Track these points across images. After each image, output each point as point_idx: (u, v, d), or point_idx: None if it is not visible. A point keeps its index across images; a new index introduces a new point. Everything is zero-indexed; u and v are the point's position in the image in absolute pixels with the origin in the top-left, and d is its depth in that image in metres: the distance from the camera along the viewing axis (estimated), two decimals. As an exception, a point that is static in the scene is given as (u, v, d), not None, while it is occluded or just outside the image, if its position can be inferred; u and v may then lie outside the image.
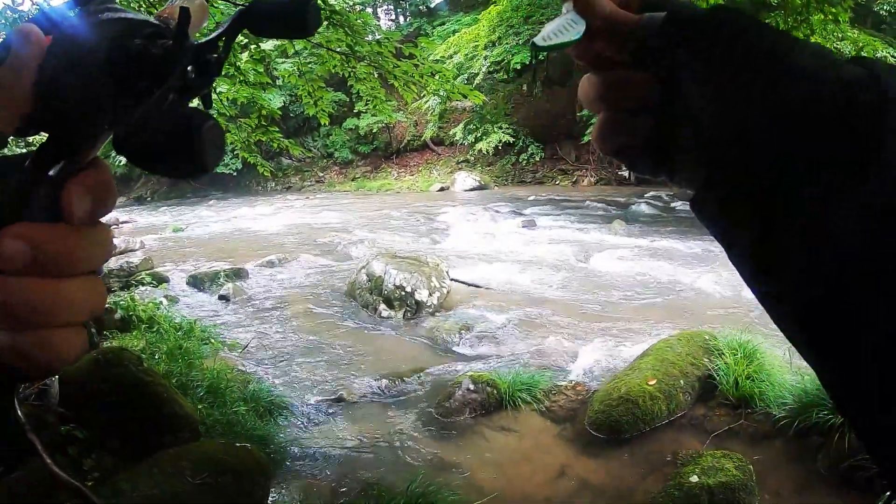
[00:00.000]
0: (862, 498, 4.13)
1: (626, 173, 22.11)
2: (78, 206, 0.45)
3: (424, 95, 21.46)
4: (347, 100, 22.76)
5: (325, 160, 27.15)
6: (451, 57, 21.01)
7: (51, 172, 0.45)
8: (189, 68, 0.49)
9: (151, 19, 0.50)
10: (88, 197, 0.45)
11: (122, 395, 4.29)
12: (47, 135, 0.46)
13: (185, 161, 0.45)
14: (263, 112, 7.97)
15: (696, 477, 4.32)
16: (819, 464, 4.59)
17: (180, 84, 0.48)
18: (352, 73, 7.40)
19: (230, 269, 10.79)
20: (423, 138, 26.12)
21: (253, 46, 7.46)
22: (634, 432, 5.25)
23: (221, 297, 9.57)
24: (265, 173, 9.21)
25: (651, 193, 19.48)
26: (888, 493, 3.91)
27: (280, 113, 20.79)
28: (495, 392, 5.88)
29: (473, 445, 5.41)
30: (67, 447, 3.84)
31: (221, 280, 10.18)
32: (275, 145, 8.74)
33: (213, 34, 0.51)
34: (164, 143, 0.44)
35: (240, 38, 7.90)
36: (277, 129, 8.56)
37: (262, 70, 7.65)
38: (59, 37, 0.46)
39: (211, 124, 0.45)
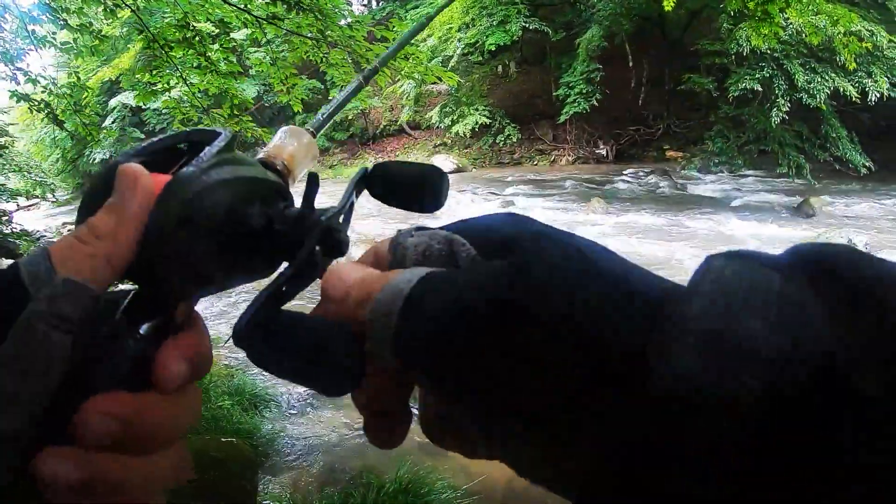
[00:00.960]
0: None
1: (603, 151, 22.22)
2: (173, 374, 0.42)
3: (399, 80, 21.56)
4: (322, 87, 22.63)
5: (297, 150, 26.96)
6: (424, 40, 20.95)
7: (143, 328, 0.42)
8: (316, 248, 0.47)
9: (271, 176, 0.49)
10: (185, 365, 0.43)
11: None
12: (141, 285, 0.44)
13: None
14: (236, 101, 7.92)
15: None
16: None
17: (304, 265, 0.46)
18: (324, 59, 7.38)
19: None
20: (399, 123, 26.04)
21: (223, 36, 7.44)
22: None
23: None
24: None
25: (629, 171, 19.65)
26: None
27: (253, 102, 20.73)
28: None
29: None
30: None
31: None
32: (248, 135, 8.62)
33: (340, 205, 0.50)
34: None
35: (209, 27, 7.93)
36: (251, 119, 8.50)
37: (233, 59, 7.61)
38: (171, 189, 0.42)
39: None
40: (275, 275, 0.48)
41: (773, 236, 11.52)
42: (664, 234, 11.81)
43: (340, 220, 0.51)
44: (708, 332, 0.29)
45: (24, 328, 0.37)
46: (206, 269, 0.45)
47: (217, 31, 7.29)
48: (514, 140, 23.70)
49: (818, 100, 15.44)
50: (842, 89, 15.43)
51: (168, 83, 7.59)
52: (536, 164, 23.06)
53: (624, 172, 19.47)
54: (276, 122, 25.72)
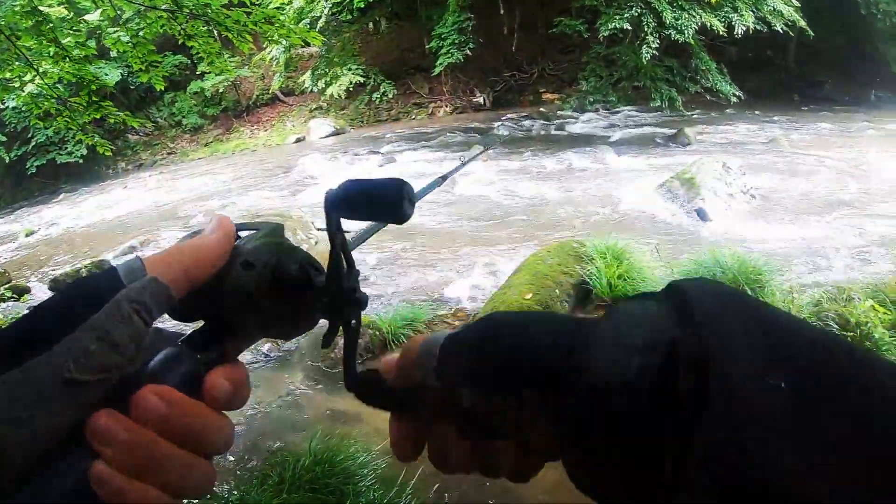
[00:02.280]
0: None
1: (480, 99, 22.25)
2: (219, 390, 0.51)
3: (266, 46, 20.79)
4: (189, 62, 21.61)
5: (174, 129, 25.64)
6: (290, 2, 20.25)
7: (198, 355, 0.53)
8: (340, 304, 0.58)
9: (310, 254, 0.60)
10: (230, 387, 0.51)
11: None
12: (204, 322, 0.57)
13: None
14: (93, 87, 7.42)
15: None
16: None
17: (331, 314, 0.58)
18: (181, 31, 7.01)
19: (92, 263, 10.04)
20: (271, 91, 25.17)
21: (75, 18, 6.93)
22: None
23: (87, 296, 8.93)
24: (105, 153, 8.52)
25: (507, 116, 19.79)
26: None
27: (113, 86, 19.50)
28: (378, 333, 5.76)
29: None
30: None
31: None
32: (111, 120, 8.21)
33: (347, 263, 0.58)
34: None
35: (61, 10, 7.35)
36: (112, 104, 7.98)
37: (91, 44, 7.11)
38: (241, 243, 0.58)
39: None
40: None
41: (651, 166, 11.66)
42: (547, 175, 11.86)
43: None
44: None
45: (115, 305, 0.47)
46: (259, 306, 0.55)
47: (68, 13, 6.66)
48: (391, 96, 23.22)
49: (686, 35, 15.67)
50: (709, 24, 15.72)
51: (20, 78, 7.15)
52: (415, 119, 22.73)
53: (502, 118, 19.60)
54: (144, 105, 24.38)
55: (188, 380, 0.50)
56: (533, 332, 0.49)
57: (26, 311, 0.49)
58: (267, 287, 0.55)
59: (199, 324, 0.57)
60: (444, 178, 0.94)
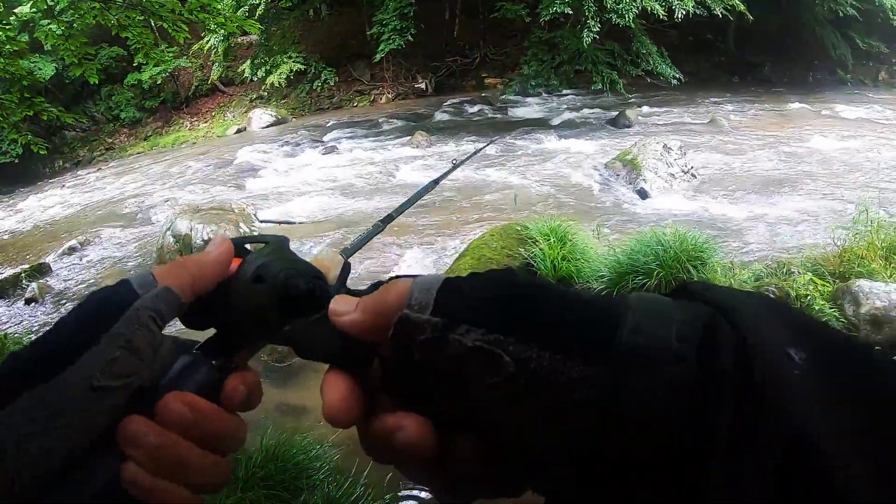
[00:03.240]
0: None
1: (422, 85, 22.14)
2: (236, 394, 0.55)
3: (204, 35, 20.35)
4: (126, 54, 21.01)
5: (111, 124, 24.88)
6: (228, -10, 19.87)
7: (214, 362, 0.57)
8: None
9: (314, 268, 0.62)
10: (245, 391, 0.56)
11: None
12: (217, 331, 0.61)
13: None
14: (25, 83, 7.14)
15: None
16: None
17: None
18: (115, 23, 6.88)
19: (31, 267, 9.70)
20: (210, 81, 24.64)
21: (3, 11, 6.65)
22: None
23: (29, 301, 8.55)
24: (41, 151, 8.22)
25: (450, 102, 19.72)
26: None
27: (47, 80, 18.88)
28: (323, 325, 5.67)
29: (314, 382, 5.20)
30: None
31: (24, 283, 9.11)
32: (45, 117, 7.94)
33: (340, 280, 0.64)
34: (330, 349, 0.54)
35: None
36: (45, 100, 7.70)
37: (14, 35, 6.84)
38: (252, 257, 0.60)
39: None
40: None
41: (594, 148, 11.73)
42: (491, 160, 11.81)
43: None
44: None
45: (135, 314, 0.51)
46: (267, 316, 0.57)
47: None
48: (332, 84, 22.93)
49: (627, 19, 15.76)
50: (650, 8, 15.83)
51: None
52: (357, 106, 22.49)
53: (445, 104, 19.53)
54: (80, 100, 23.63)
55: (206, 385, 0.55)
56: (569, 290, 0.46)
57: (48, 329, 0.53)
58: (277, 300, 0.58)
59: (211, 333, 0.62)
60: (436, 182, 1.19)
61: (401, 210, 1.11)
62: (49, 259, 10.07)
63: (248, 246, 0.64)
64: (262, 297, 0.58)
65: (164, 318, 0.54)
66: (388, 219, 1.06)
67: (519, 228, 6.19)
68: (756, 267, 5.00)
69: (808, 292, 4.29)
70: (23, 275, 9.33)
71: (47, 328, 0.51)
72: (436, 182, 1.10)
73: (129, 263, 9.26)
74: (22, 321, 8.08)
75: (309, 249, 8.16)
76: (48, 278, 9.34)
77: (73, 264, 9.88)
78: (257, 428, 4.23)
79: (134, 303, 0.52)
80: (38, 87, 7.47)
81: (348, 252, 0.77)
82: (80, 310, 0.53)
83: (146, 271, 0.57)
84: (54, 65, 19.43)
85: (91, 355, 0.49)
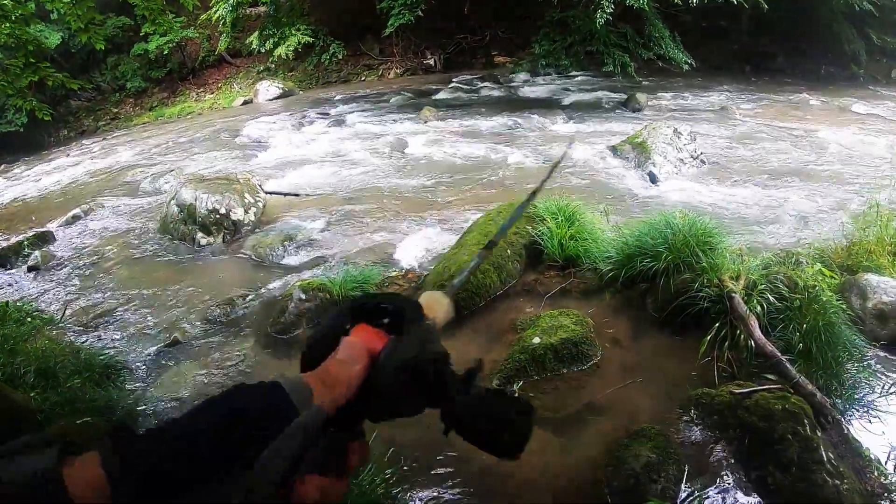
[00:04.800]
0: (691, 335, 4.31)
1: (431, 61, 22.00)
2: (353, 463, 0.72)
3: (212, 5, 20.18)
4: (133, 23, 20.85)
5: (117, 94, 24.67)
6: (240, -40, 19.70)
7: (343, 434, 0.74)
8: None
9: (442, 348, 0.78)
10: (359, 458, 0.74)
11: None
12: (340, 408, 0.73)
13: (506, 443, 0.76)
14: (30, 48, 7.07)
15: (537, 338, 4.35)
16: (649, 308, 4.75)
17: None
18: None
19: (34, 235, 9.64)
20: (217, 52, 24.47)
21: None
22: (471, 307, 5.24)
23: (31, 269, 8.52)
24: (45, 117, 8.16)
25: (458, 78, 19.60)
26: (717, 325, 4.08)
27: (54, 49, 18.72)
28: (328, 296, 5.67)
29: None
30: None
31: (27, 250, 9.08)
32: (50, 83, 7.86)
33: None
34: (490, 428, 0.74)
35: None
36: (49, 65, 7.63)
37: (31, 4, 6.76)
38: (396, 349, 0.74)
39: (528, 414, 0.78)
40: None
41: (604, 130, 11.66)
42: (499, 137, 11.78)
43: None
44: None
45: (301, 427, 0.66)
46: (402, 401, 0.73)
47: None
48: (340, 57, 22.80)
49: (641, 2, 15.59)
50: (652, -8, 15.68)
51: None
52: (364, 80, 22.37)
53: (453, 81, 19.45)
54: (86, 69, 23.45)
55: (334, 452, 0.72)
56: None
57: (197, 409, 0.67)
58: (410, 388, 0.71)
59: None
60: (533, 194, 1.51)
61: (502, 232, 1.26)
62: (52, 227, 10.03)
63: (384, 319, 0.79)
64: (401, 387, 0.73)
65: (312, 434, 0.68)
66: (491, 245, 1.22)
67: (527, 206, 6.15)
68: (764, 255, 4.96)
69: (815, 283, 4.25)
70: (25, 242, 9.30)
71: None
72: (533, 194, 1.38)
73: (131, 234, 9.22)
74: (23, 289, 8.06)
75: (314, 224, 8.16)
76: (51, 246, 9.31)
77: (76, 233, 9.84)
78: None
79: (294, 419, 0.66)
80: (44, 54, 7.38)
81: (453, 289, 0.91)
82: (232, 405, 0.68)
83: (298, 377, 0.71)
84: (60, 34, 19.27)
85: (263, 466, 0.63)
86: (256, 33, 22.16)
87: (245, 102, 21.70)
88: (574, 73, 18.86)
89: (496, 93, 17.52)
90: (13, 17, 6.81)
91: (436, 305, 0.81)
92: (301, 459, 0.65)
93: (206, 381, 5.03)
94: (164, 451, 0.61)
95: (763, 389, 3.57)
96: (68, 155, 18.21)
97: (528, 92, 17.35)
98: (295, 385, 0.67)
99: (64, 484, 0.55)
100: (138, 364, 5.54)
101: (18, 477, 0.53)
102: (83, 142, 20.81)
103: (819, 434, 3.28)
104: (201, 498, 0.59)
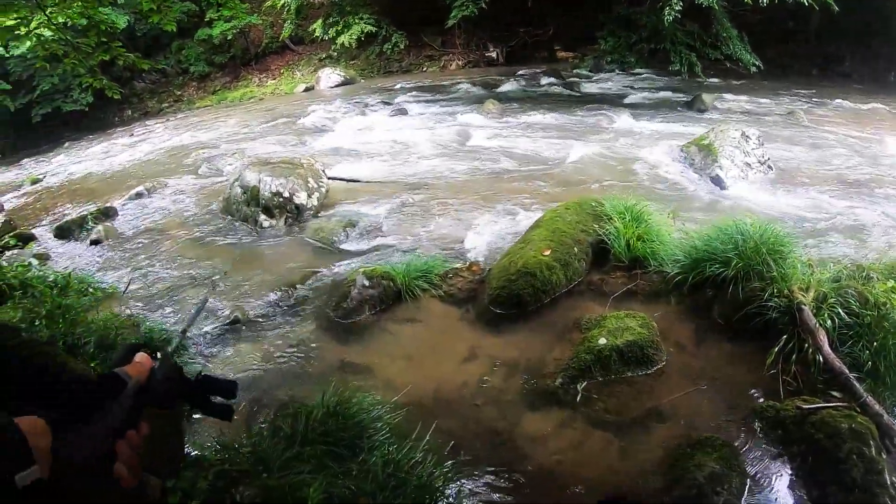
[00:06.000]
0: (758, 345, 4.24)
1: (493, 54, 21.94)
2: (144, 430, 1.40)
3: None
4: (197, 9, 21.23)
5: (180, 77, 25.13)
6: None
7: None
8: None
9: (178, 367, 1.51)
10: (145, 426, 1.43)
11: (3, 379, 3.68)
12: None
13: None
14: (103, 28, 7.22)
15: (603, 339, 4.34)
16: (715, 314, 4.69)
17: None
18: None
19: (98, 210, 9.82)
20: (281, 39, 24.76)
21: None
22: (536, 304, 5.24)
23: (94, 242, 8.70)
24: (115, 95, 8.32)
25: (521, 72, 19.53)
26: (784, 337, 4.01)
27: (122, 26, 19.09)
28: (391, 284, 5.69)
29: (379, 342, 5.24)
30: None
31: (90, 224, 9.23)
32: (120, 62, 8.01)
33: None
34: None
35: None
36: (121, 44, 7.78)
37: None
38: (165, 364, 1.53)
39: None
40: None
41: (668, 130, 11.50)
42: (560, 133, 11.69)
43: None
44: None
45: (132, 389, 1.40)
46: (165, 393, 1.48)
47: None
48: (402, 47, 22.91)
49: (710, 0, 15.31)
50: (734, -9, 15.36)
51: (27, 22, 6.89)
52: (426, 71, 22.49)
53: (516, 74, 19.33)
54: (151, 53, 23.86)
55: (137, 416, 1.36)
56: None
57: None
58: (174, 392, 1.33)
59: None
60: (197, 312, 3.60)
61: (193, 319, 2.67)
62: (115, 203, 10.24)
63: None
64: (169, 385, 1.39)
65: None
66: (183, 332, 3.22)
67: (594, 204, 6.11)
68: (833, 268, 4.84)
69: (886, 300, 4.14)
70: (89, 216, 9.50)
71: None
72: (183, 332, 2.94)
73: (194, 213, 9.38)
74: (86, 261, 8.23)
75: (376, 210, 8.26)
76: (114, 221, 9.51)
77: (139, 209, 10.02)
78: (319, 383, 4.22)
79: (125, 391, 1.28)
80: (114, 34, 7.51)
81: (166, 351, 1.91)
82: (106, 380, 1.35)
83: (124, 371, 1.37)
84: (126, 17, 19.64)
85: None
86: (320, 21, 22.39)
87: (307, 89, 21.94)
88: (637, 70, 18.61)
89: (559, 88, 17.37)
90: (87, -1, 6.92)
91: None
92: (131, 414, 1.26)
93: (265, 361, 5.08)
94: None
95: (829, 406, 3.51)
96: (132, 135, 18.60)
97: (591, 88, 17.17)
98: (123, 371, 1.30)
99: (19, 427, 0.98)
100: (197, 340, 5.61)
101: None
102: (146, 122, 21.26)
103: (884, 456, 3.22)
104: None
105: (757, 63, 16.46)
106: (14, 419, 0.87)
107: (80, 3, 6.89)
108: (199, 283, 6.88)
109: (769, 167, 9.06)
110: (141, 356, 1.49)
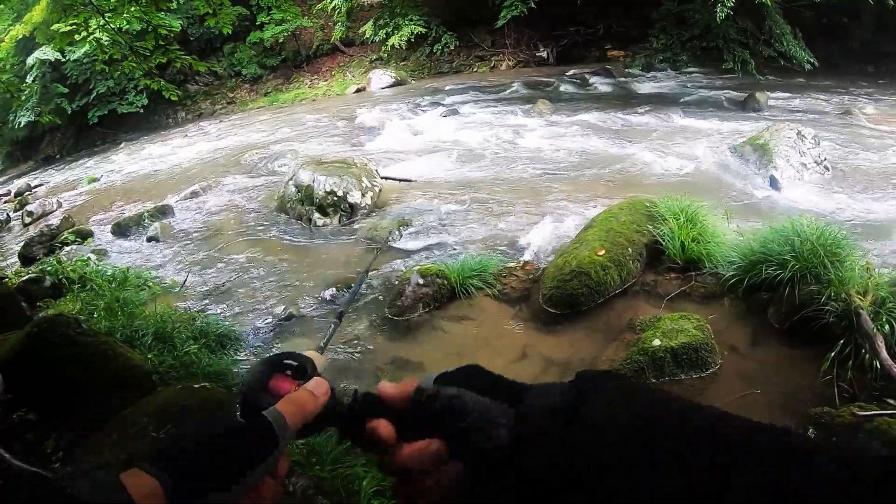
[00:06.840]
0: (813, 349, 4.19)
1: (544, 54, 21.86)
2: (284, 469, 0.89)
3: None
4: (248, 13, 21.59)
5: (233, 80, 25.68)
6: (353, -49, 20.10)
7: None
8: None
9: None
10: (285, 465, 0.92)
11: (66, 364, 3.83)
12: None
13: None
14: (161, 31, 7.41)
15: (658, 341, 4.35)
16: (770, 318, 4.65)
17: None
18: None
19: (154, 208, 10.21)
20: (332, 41, 25.06)
21: None
22: (590, 304, 5.28)
23: (150, 239, 9.05)
24: (172, 97, 8.53)
25: (572, 72, 19.42)
26: (841, 342, 3.96)
27: (179, 28, 19.52)
28: (446, 283, 5.79)
29: (432, 339, 5.33)
30: (25, 434, 3.51)
31: (147, 221, 9.61)
32: (177, 64, 8.20)
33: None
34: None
35: None
36: (178, 47, 7.98)
37: None
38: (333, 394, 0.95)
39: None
40: None
41: (721, 129, 11.35)
42: (614, 133, 11.65)
43: None
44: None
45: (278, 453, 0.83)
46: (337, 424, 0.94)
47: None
48: (452, 48, 23.01)
49: (764, -5, 15.08)
50: (789, -14, 15.07)
51: (86, 26, 7.09)
52: (476, 71, 22.50)
53: (566, 74, 19.27)
54: (203, 56, 24.31)
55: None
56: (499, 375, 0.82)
57: (202, 428, 0.82)
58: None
59: None
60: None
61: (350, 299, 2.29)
62: (171, 202, 10.51)
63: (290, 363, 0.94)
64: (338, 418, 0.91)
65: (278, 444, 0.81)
66: (341, 315, 1.47)
67: (647, 204, 6.10)
68: (894, 272, 4.75)
69: (945, 306, 4.07)
70: (145, 214, 9.80)
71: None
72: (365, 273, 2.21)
73: (249, 211, 9.57)
74: (143, 257, 8.48)
75: (429, 209, 8.33)
76: (170, 219, 9.77)
77: (194, 207, 10.29)
78: (372, 378, 4.33)
79: (277, 447, 0.80)
80: (170, 35, 7.71)
81: (321, 349, 1.11)
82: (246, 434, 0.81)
83: (278, 413, 0.82)
84: (180, 22, 20.05)
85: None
86: (370, 23, 22.58)
87: (358, 90, 22.18)
88: (689, 69, 18.35)
89: (610, 87, 17.28)
90: (143, 1, 7.10)
91: (316, 360, 0.98)
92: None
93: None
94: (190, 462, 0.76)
95: (886, 414, 3.48)
96: (186, 135, 19.04)
97: (643, 87, 17.02)
98: (275, 416, 0.81)
99: (126, 489, 0.66)
100: (252, 335, 5.75)
101: (85, 486, 0.65)
102: (200, 124, 21.72)
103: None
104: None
105: (811, 60, 16.12)
106: (119, 476, 0.64)
107: (137, 8, 7.07)
108: (253, 280, 7.03)
109: (826, 167, 8.90)
110: (314, 386, 0.91)
